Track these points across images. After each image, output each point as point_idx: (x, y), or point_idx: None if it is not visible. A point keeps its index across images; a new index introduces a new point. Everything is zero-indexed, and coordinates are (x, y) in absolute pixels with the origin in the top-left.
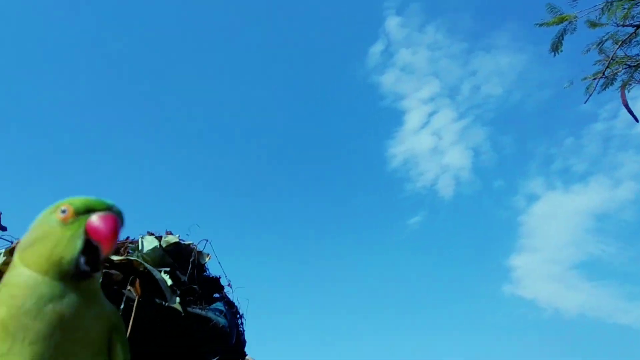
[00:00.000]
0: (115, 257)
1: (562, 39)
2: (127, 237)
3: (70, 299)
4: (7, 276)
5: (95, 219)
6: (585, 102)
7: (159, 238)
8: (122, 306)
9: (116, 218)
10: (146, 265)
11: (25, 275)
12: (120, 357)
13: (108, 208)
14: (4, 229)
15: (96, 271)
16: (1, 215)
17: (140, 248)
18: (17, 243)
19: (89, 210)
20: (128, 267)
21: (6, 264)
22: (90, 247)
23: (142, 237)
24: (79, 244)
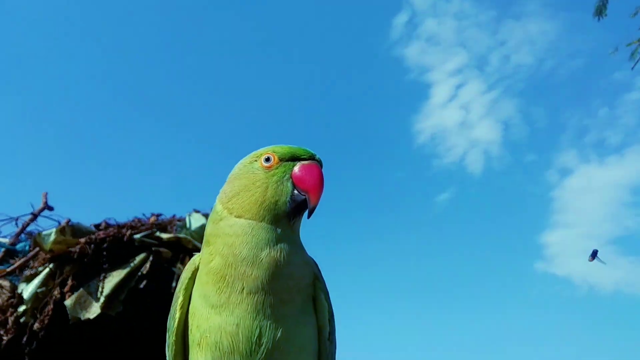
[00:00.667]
0: (164, 235)
1: (607, 2)
2: (174, 215)
3: (284, 244)
4: (217, 227)
5: (300, 168)
6: (632, 68)
7: (206, 215)
8: (173, 284)
9: (320, 167)
10: (195, 242)
11: (240, 223)
12: (323, 305)
13: (311, 157)
14: (50, 208)
15: (302, 214)
16: (47, 196)
17: (187, 226)
18: (65, 222)
19: (293, 158)
20: (177, 245)
21: (58, 242)
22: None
23: (189, 215)
24: (289, 186)
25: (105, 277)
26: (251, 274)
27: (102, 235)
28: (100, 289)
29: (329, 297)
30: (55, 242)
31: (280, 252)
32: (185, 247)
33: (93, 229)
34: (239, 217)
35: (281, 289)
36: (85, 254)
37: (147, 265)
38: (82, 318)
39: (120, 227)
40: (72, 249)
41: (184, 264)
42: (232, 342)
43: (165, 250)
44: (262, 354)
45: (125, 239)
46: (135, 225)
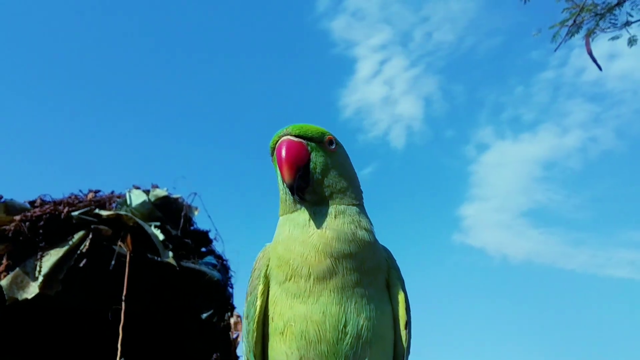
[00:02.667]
0: (103, 212)
1: None
2: (113, 192)
3: (332, 231)
4: (280, 219)
5: (276, 148)
6: (555, 50)
7: (147, 192)
8: (112, 262)
9: (287, 142)
10: (137, 219)
11: (300, 208)
12: (400, 294)
13: (282, 135)
14: None
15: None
16: None
17: (128, 203)
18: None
19: (274, 148)
20: (117, 223)
21: None
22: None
23: (129, 191)
24: (279, 175)
25: (42, 256)
26: (317, 262)
27: (37, 213)
28: (38, 268)
29: (404, 286)
30: None
31: (342, 232)
32: (126, 224)
33: (28, 206)
34: (289, 212)
35: (356, 276)
36: (20, 232)
37: (87, 243)
38: (20, 298)
39: (56, 203)
40: (6, 227)
41: (125, 241)
42: (319, 331)
43: (105, 228)
44: (348, 342)
45: (62, 216)
46: (73, 202)
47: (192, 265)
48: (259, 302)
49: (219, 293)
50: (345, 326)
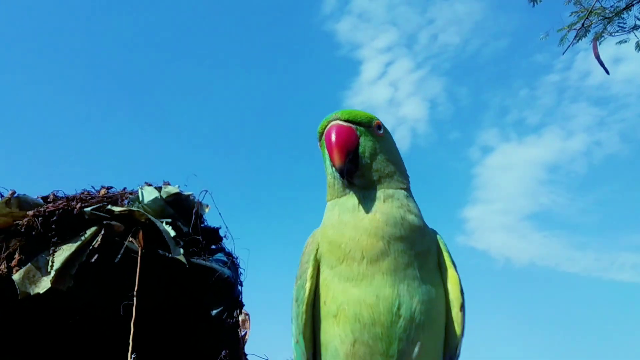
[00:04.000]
0: (115, 208)
1: None
2: (124, 188)
3: (382, 214)
4: (329, 204)
5: (325, 141)
6: (563, 54)
7: (159, 189)
8: (122, 258)
9: (337, 127)
10: (149, 216)
11: (349, 192)
12: (454, 277)
13: (331, 120)
14: None
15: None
16: None
17: (140, 199)
18: (10, 194)
19: (322, 134)
20: (129, 219)
21: (3, 215)
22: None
23: (141, 188)
24: (328, 160)
25: (55, 251)
26: (370, 245)
27: (50, 208)
28: (50, 263)
29: (457, 268)
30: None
31: (391, 216)
32: (138, 220)
33: (40, 201)
34: (337, 197)
35: (408, 259)
36: (33, 227)
37: (99, 239)
38: (32, 293)
39: (69, 199)
40: (19, 222)
41: (136, 238)
42: (373, 314)
43: (117, 224)
44: (401, 325)
45: (75, 212)
46: (85, 198)
47: (203, 262)
48: (308, 285)
49: (229, 290)
50: (399, 309)
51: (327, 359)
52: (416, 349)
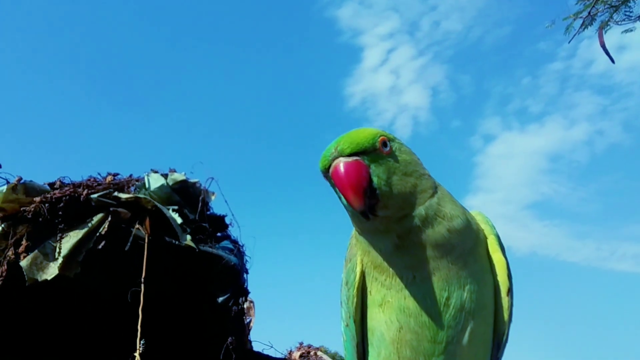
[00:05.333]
0: (122, 195)
1: None
2: (131, 175)
3: (426, 210)
4: None
5: (332, 180)
6: (569, 42)
7: (165, 176)
8: (130, 244)
9: (344, 166)
10: (155, 203)
11: (378, 224)
12: (502, 261)
13: (332, 160)
14: None
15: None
16: None
17: (147, 186)
18: (17, 180)
19: (326, 170)
20: (136, 206)
21: (9, 201)
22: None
23: (147, 175)
24: (342, 197)
25: (62, 238)
26: (420, 236)
27: (57, 195)
28: (57, 250)
29: (505, 252)
30: (6, 200)
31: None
32: (145, 207)
33: (47, 187)
34: None
35: (456, 257)
36: (40, 213)
37: (106, 225)
38: (39, 279)
39: (75, 186)
40: (26, 208)
41: (143, 224)
42: (420, 304)
43: (123, 211)
44: (451, 314)
45: (82, 198)
46: (92, 185)
47: (210, 249)
48: (358, 269)
49: (235, 277)
50: (448, 299)
51: (374, 343)
52: (466, 336)
